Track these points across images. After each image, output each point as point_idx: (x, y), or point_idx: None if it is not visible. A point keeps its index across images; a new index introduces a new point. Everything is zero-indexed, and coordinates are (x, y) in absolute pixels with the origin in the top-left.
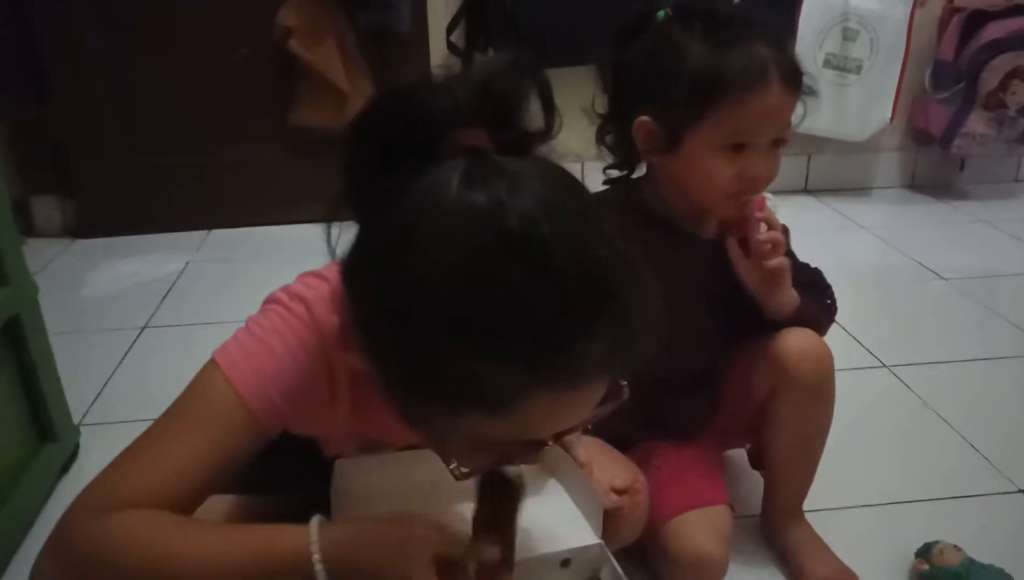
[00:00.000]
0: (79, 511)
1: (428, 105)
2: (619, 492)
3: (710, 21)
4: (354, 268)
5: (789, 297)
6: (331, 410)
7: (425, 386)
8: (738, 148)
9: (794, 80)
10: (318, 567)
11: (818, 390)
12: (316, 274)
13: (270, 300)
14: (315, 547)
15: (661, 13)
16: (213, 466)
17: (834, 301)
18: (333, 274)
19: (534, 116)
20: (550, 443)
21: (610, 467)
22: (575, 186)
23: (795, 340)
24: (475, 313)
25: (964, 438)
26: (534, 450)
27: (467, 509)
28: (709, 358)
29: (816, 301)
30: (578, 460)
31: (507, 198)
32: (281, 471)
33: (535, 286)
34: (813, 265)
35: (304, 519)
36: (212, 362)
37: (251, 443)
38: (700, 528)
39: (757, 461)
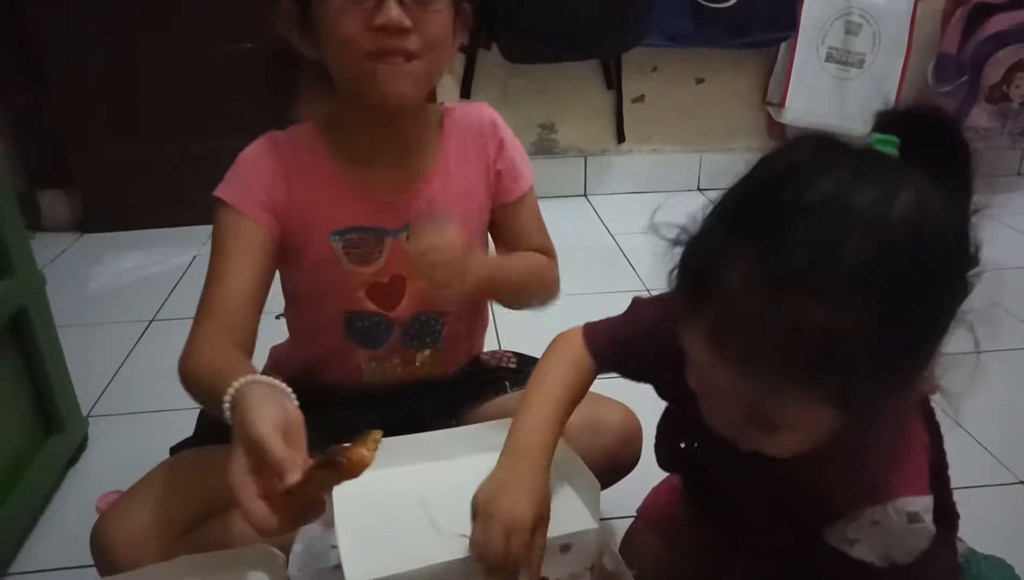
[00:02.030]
0: None
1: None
2: None
3: None
4: None
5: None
6: (286, 183)
7: None
8: None
9: None
10: (225, 406)
11: None
12: None
13: None
14: (227, 397)
15: None
16: (246, 275)
17: None
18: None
19: None
20: None
21: None
22: None
23: None
24: None
25: (966, 430)
26: None
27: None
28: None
29: None
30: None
31: None
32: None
33: None
34: None
35: None
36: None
37: (262, 244)
38: None
39: None
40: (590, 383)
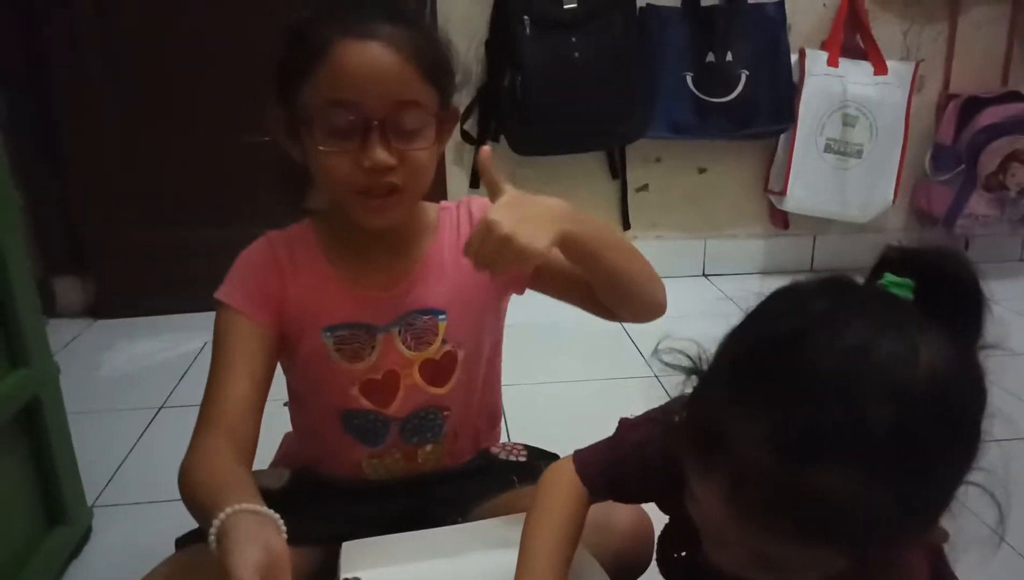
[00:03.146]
0: None
1: None
2: None
3: None
4: None
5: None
6: (281, 280)
7: None
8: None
9: None
10: (211, 538)
11: None
12: None
13: None
14: (213, 530)
15: None
16: (246, 377)
17: None
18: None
19: None
20: None
21: None
22: None
23: None
24: None
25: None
26: None
27: None
28: None
29: None
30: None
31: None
32: (310, 521)
33: None
34: None
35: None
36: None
37: (261, 343)
38: None
39: None
40: (586, 512)
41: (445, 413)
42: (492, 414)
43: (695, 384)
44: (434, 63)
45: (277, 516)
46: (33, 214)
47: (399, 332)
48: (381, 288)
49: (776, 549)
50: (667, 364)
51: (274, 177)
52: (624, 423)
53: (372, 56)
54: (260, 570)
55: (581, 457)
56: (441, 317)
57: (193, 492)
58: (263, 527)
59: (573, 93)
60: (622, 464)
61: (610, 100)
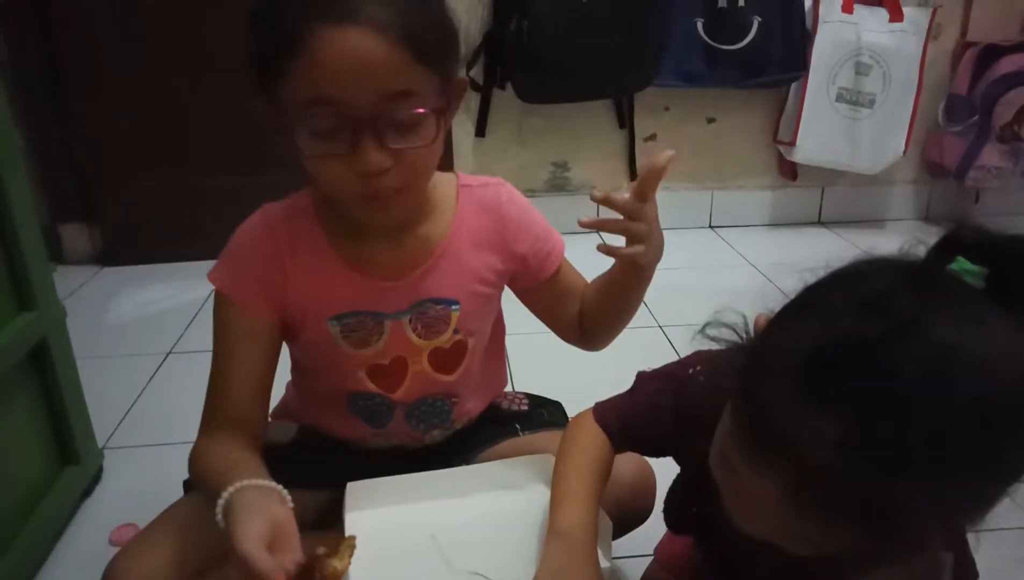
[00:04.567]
0: None
1: None
2: None
3: None
4: None
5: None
6: (282, 271)
7: None
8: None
9: None
10: (218, 516)
11: None
12: None
13: None
14: (219, 508)
15: None
16: (250, 370)
17: None
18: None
19: None
20: None
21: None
22: None
23: None
24: None
25: None
26: None
27: (476, 532)
28: None
29: None
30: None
31: None
32: (317, 468)
33: None
34: None
35: (335, 512)
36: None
37: (263, 334)
38: None
39: None
40: (612, 457)
41: (453, 400)
42: (498, 385)
43: (728, 349)
44: (429, 41)
45: (281, 487)
46: (39, 160)
47: (409, 320)
48: (391, 277)
49: (819, 537)
50: (712, 339)
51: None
52: (641, 376)
53: (352, 44)
54: (264, 541)
55: (600, 408)
56: (455, 307)
57: (202, 478)
58: (267, 498)
59: (581, 39)
60: (637, 416)
61: (619, 47)
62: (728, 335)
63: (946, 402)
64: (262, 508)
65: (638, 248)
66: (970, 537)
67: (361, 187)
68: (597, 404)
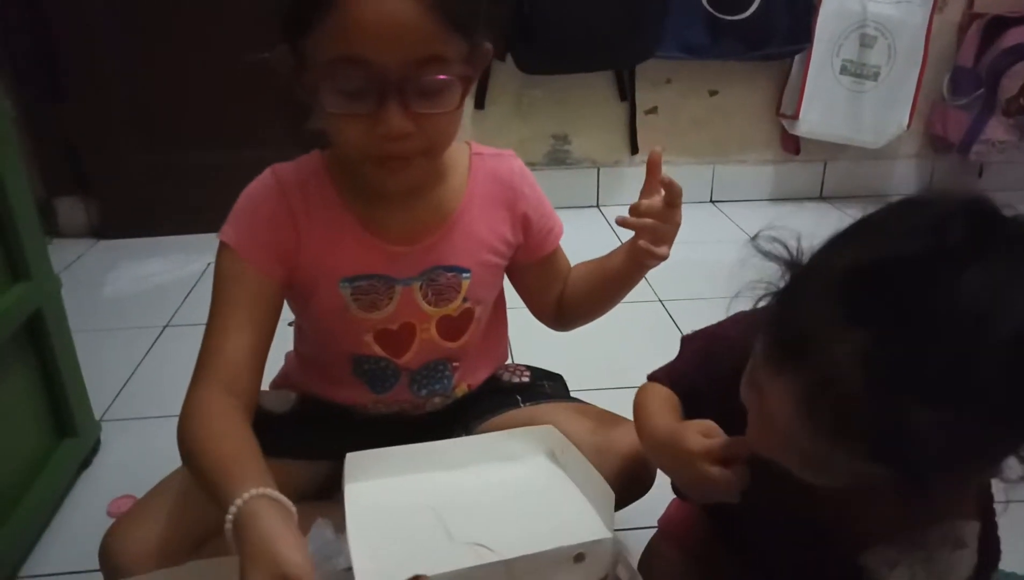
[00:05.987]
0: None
1: None
2: None
3: None
4: None
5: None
6: (295, 232)
7: None
8: None
9: None
10: (228, 527)
11: None
12: None
13: None
14: (230, 517)
15: None
16: (249, 328)
17: None
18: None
19: None
20: None
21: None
22: None
23: None
24: None
25: None
26: None
27: (477, 503)
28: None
29: None
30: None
31: None
32: (316, 438)
33: None
34: None
35: (334, 482)
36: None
37: (267, 294)
38: None
39: None
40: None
41: (454, 364)
42: (500, 356)
43: (768, 293)
44: (461, 8)
45: (291, 505)
46: (33, 134)
47: (420, 287)
48: (404, 242)
49: (830, 453)
50: (763, 252)
51: (279, 98)
52: (684, 337)
53: (387, 5)
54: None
55: (655, 375)
56: (465, 275)
57: (193, 452)
58: (283, 532)
59: (582, 9)
60: (683, 372)
61: (620, 17)
62: (779, 250)
63: (983, 332)
64: (277, 555)
65: (664, 249)
66: (998, 507)
67: (379, 150)
68: (650, 375)
